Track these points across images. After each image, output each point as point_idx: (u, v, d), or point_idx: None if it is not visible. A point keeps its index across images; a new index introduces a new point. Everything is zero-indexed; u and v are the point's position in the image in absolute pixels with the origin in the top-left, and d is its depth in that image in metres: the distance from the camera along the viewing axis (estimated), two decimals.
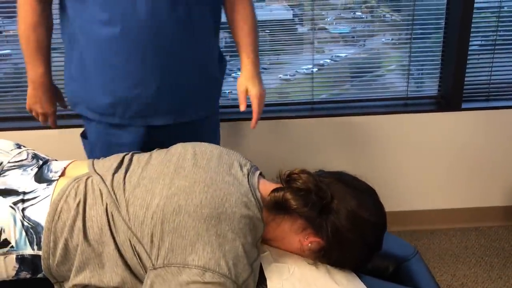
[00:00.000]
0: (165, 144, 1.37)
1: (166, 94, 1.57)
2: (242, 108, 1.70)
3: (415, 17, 2.49)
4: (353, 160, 2.60)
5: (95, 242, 1.09)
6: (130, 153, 1.30)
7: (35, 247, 1.11)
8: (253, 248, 1.09)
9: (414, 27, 2.51)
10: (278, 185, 1.20)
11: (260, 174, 1.28)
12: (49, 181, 1.18)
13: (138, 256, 1.07)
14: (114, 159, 1.27)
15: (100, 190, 1.14)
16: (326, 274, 1.24)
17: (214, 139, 1.81)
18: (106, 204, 1.11)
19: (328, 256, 1.19)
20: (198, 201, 1.06)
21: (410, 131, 2.57)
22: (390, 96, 2.63)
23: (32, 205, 1.13)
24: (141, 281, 1.10)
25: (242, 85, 1.70)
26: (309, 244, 1.17)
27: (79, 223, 1.10)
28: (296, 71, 2.61)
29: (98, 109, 1.60)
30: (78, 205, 1.12)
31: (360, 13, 2.57)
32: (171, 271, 1.01)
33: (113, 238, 1.09)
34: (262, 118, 2.43)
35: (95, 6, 1.48)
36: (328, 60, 2.63)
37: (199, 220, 1.04)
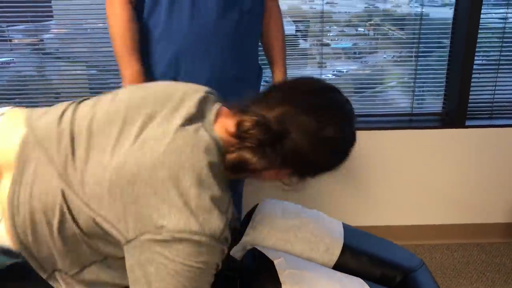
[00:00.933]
0: None
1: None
2: None
3: (421, 35, 2.53)
4: (356, 174, 2.62)
5: (63, 232, 1.04)
6: (72, 106, 1.17)
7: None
8: (223, 194, 1.02)
9: (420, 44, 2.55)
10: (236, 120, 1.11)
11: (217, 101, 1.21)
12: None
13: (108, 232, 1.01)
14: (53, 116, 1.14)
15: (51, 173, 1.04)
16: (337, 282, 1.25)
17: None
18: (61, 190, 1.03)
19: (308, 174, 1.14)
20: (151, 164, 0.99)
21: (414, 147, 2.59)
22: (395, 112, 2.67)
23: None
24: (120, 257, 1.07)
25: None
26: (286, 175, 1.13)
27: (39, 215, 1.03)
28: None
29: None
30: (31, 195, 1.04)
31: (362, 29, 2.61)
32: (145, 238, 0.97)
33: (75, 222, 1.03)
34: None
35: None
36: (330, 75, 2.66)
37: (157, 184, 0.97)
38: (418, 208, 2.71)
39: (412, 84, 2.63)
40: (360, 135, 2.49)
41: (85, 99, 1.20)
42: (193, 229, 0.95)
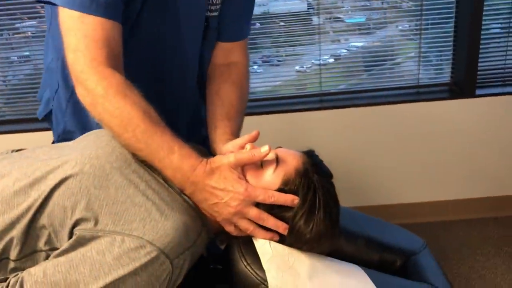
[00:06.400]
0: None
1: None
2: None
3: (424, 2, 2.44)
4: (363, 151, 2.58)
5: None
6: None
7: None
8: None
9: (423, 12, 2.46)
10: None
11: None
12: None
13: None
14: None
15: None
16: (328, 266, 1.20)
17: None
18: None
19: None
20: None
21: (422, 120, 2.51)
22: (401, 85, 2.59)
23: None
24: None
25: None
26: None
27: None
28: (312, 62, 2.60)
29: None
30: None
31: (367, 3, 2.55)
32: None
33: None
34: (275, 112, 2.45)
35: None
36: (344, 51, 2.63)
37: None
38: (430, 183, 2.64)
39: (417, 55, 2.54)
40: (366, 111, 2.45)
41: None
42: None
